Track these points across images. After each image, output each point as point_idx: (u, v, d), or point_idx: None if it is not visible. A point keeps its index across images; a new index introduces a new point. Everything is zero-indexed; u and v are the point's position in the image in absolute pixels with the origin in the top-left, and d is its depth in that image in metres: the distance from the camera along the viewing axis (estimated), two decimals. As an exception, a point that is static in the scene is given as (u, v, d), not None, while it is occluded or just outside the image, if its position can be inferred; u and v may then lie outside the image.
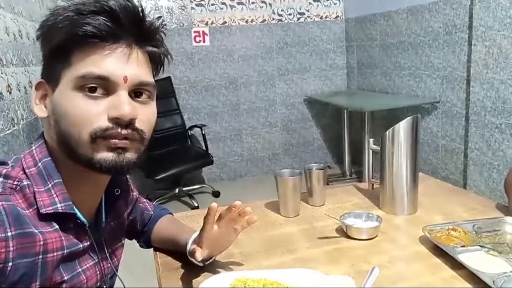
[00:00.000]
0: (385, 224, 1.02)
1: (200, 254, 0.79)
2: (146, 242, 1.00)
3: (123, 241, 0.85)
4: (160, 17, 0.69)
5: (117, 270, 0.81)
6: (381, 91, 3.53)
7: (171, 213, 1.07)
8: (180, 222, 1.04)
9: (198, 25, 3.64)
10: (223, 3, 3.66)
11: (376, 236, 0.99)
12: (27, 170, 0.64)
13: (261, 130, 4.01)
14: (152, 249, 1.01)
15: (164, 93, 3.47)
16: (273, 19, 3.81)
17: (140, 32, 0.65)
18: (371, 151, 1.19)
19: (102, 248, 0.75)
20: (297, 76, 3.98)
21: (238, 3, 3.69)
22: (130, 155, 0.64)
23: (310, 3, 3.87)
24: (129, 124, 0.63)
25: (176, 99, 3.59)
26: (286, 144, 4.10)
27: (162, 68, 0.73)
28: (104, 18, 0.61)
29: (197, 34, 3.65)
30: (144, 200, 1.01)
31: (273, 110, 3.99)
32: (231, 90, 3.85)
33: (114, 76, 0.62)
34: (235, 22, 3.72)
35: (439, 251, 0.89)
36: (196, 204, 3.31)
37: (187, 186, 3.57)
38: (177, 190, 3.48)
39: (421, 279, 0.81)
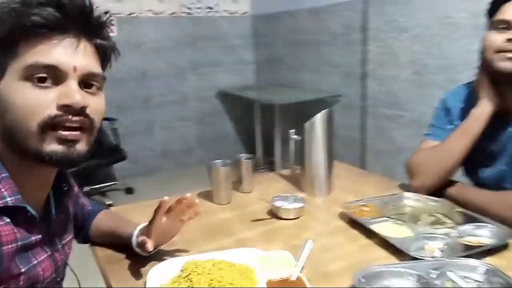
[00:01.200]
0: (308, 204, 1.15)
1: (151, 245, 0.83)
2: (84, 237, 1.00)
3: (72, 235, 0.85)
4: (107, 12, 0.71)
5: (67, 262, 0.82)
6: (288, 85, 3.76)
7: (108, 206, 1.08)
8: (120, 215, 1.05)
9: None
10: (131, -7, 3.55)
11: (302, 215, 1.12)
12: None
13: (174, 123, 3.99)
14: (88, 244, 1.02)
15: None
16: (182, 12, 3.80)
17: (87, 24, 0.66)
18: (293, 141, 1.32)
19: (54, 241, 0.75)
20: (208, 69, 4.03)
21: (147, -6, 3.61)
22: (80, 147, 0.66)
23: (219, -2, 3.94)
24: (80, 112, 0.64)
25: (82, 92, 3.39)
26: (200, 138, 4.14)
27: (109, 63, 0.74)
28: (52, 9, 0.62)
29: (103, 24, 3.48)
30: (82, 195, 1.01)
31: (185, 103, 4.00)
32: (142, 83, 3.76)
33: (63, 65, 0.62)
34: (142, 13, 3.63)
35: (355, 224, 1.04)
36: (109, 202, 3.20)
37: (98, 183, 3.42)
38: (87, 188, 3.31)
39: (343, 248, 0.96)
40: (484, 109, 1.10)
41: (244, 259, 0.85)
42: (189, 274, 0.77)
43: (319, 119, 1.22)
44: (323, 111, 1.23)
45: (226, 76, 4.12)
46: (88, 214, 0.99)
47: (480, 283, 0.77)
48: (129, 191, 3.51)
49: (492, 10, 1.08)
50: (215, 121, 4.18)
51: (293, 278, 0.78)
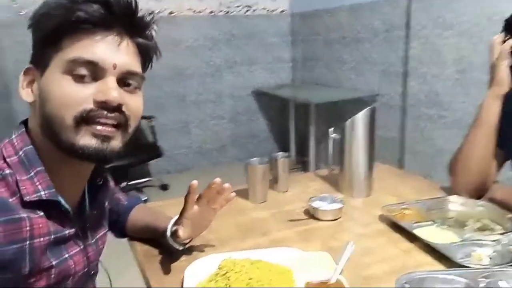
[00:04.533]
0: (346, 205, 1.12)
1: (182, 232, 0.82)
2: (121, 231, 1.01)
3: (106, 230, 0.86)
4: (152, 12, 0.71)
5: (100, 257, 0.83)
6: (324, 84, 3.70)
7: (144, 202, 1.09)
8: (155, 209, 1.06)
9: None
10: (170, -8, 3.61)
11: (340, 217, 1.09)
12: (8, 159, 0.64)
13: (208, 122, 4.02)
14: (126, 238, 1.03)
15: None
16: (221, 10, 3.83)
17: (131, 23, 0.67)
18: (332, 140, 1.28)
19: (87, 235, 0.76)
20: (244, 68, 4.04)
21: (185, -7, 3.65)
22: (114, 144, 0.66)
23: (256, -3, 3.93)
24: (116, 109, 0.64)
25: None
26: (233, 136, 4.16)
27: (150, 64, 0.74)
28: (98, 6, 0.63)
29: (143, 23, 3.56)
30: (118, 190, 1.02)
31: (220, 102, 4.02)
32: (178, 81, 3.81)
33: (104, 62, 0.63)
34: (182, 12, 3.68)
35: (396, 228, 1.00)
36: (144, 198, 3.27)
37: (133, 179, 3.50)
38: (123, 184, 3.40)
39: (385, 251, 0.92)
40: (489, 94, 1.09)
41: (282, 259, 0.83)
42: (227, 272, 0.76)
43: (360, 117, 1.18)
44: (365, 109, 1.19)
45: (262, 75, 4.11)
46: (123, 208, 1.00)
47: (535, 295, 0.71)
48: (164, 187, 3.57)
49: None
50: (249, 120, 4.19)
51: (333, 281, 0.75)
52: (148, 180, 3.69)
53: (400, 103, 2.86)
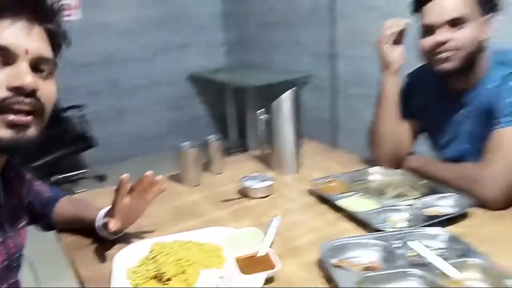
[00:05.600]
0: (277, 183, 1.16)
1: (114, 224, 0.82)
2: (47, 224, 0.97)
3: (26, 222, 0.83)
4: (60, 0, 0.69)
5: (22, 250, 0.80)
6: (260, 67, 3.74)
7: (69, 194, 1.05)
8: (83, 200, 1.04)
9: (66, -3, 3.34)
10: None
11: (272, 194, 1.13)
12: None
13: (145, 108, 3.91)
14: (53, 231, 1.00)
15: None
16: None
17: (41, 9, 0.66)
18: (261, 120, 1.31)
19: (4, 228, 0.74)
20: (178, 52, 3.95)
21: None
22: (30, 133, 0.64)
23: (188, -22, 3.85)
24: (32, 94, 0.62)
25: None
26: (172, 122, 4.08)
27: (60, 50, 0.72)
28: None
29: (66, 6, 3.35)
30: (38, 182, 0.98)
31: (156, 87, 3.92)
32: (109, 67, 3.66)
33: (15, 47, 0.61)
34: (109, -6, 3.51)
35: (323, 200, 1.06)
36: (82, 190, 3.13)
37: (68, 171, 3.35)
38: (58, 177, 3.23)
39: (312, 223, 0.98)
40: (383, 75, 1.23)
41: (212, 238, 0.85)
42: (156, 255, 0.76)
43: (285, 98, 1.22)
44: (289, 90, 1.23)
45: (197, 58, 4.05)
46: (48, 200, 0.97)
47: (442, 250, 0.80)
48: (102, 178, 3.45)
49: (415, 10, 1.11)
50: (187, 105, 4.13)
51: (261, 254, 0.79)
52: (83, 172, 3.54)
53: (331, 84, 2.97)
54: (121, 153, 3.86)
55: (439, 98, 1.19)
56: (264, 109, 1.33)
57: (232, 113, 3.87)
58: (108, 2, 3.54)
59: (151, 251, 0.79)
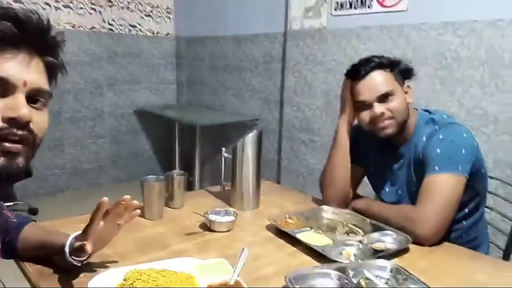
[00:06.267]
0: (238, 218, 1.23)
1: (90, 247, 0.83)
2: (10, 251, 0.95)
3: None
4: (62, 32, 0.74)
5: None
6: (209, 107, 3.85)
7: (35, 221, 1.04)
8: (48, 228, 1.03)
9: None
10: (47, 3, 3.38)
11: (233, 228, 1.20)
12: None
13: (86, 141, 3.80)
14: (12, 260, 0.97)
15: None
16: (103, 27, 3.72)
17: (43, 42, 0.68)
18: (223, 158, 1.40)
19: None
20: (127, 87, 3.95)
21: (65, 6, 3.46)
22: (19, 160, 0.65)
23: (142, 17, 3.93)
24: (25, 126, 0.65)
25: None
26: (114, 156, 3.99)
27: (55, 81, 0.75)
28: (9, 24, 0.63)
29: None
30: (6, 208, 0.96)
31: (100, 120, 3.85)
32: (53, 97, 3.54)
33: (14, 79, 0.63)
34: (60, 25, 3.47)
35: (281, 234, 1.15)
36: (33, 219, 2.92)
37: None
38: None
39: (272, 256, 1.05)
40: (341, 120, 1.36)
41: (183, 268, 0.89)
42: (134, 282, 0.79)
43: (249, 139, 1.32)
44: (253, 132, 1.33)
45: (145, 95, 4.08)
46: (13, 227, 0.95)
47: (388, 279, 0.91)
48: (33, 212, 3.23)
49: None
50: (132, 139, 4.08)
51: (232, 282, 0.85)
52: (14, 204, 3.29)
53: (277, 128, 3.15)
54: (56, 186, 3.68)
55: (379, 150, 1.37)
56: (225, 148, 1.42)
57: (178, 150, 3.89)
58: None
59: (127, 279, 0.81)
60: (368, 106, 1.23)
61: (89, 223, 0.86)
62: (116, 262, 0.97)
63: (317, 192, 1.45)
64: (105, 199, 0.85)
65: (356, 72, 1.24)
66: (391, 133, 1.24)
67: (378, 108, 1.21)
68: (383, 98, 1.22)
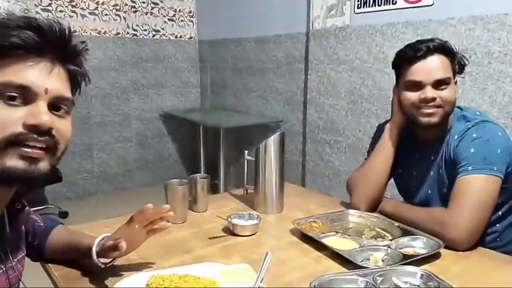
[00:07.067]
0: (261, 222, 1.22)
1: (125, 244, 0.84)
2: (39, 254, 0.98)
3: (24, 253, 0.84)
4: (84, 41, 0.74)
5: (20, 280, 0.80)
6: (232, 109, 3.85)
7: (62, 223, 1.06)
8: (75, 230, 1.05)
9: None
10: (73, 11, 3.48)
11: (257, 232, 1.18)
12: None
13: (114, 145, 3.88)
14: (39, 263, 0.99)
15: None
16: (128, 33, 3.79)
17: (64, 50, 0.69)
18: (246, 161, 1.38)
19: (8, 258, 0.75)
20: (152, 91, 4.01)
21: (90, 13, 3.55)
22: (42, 166, 0.66)
23: (165, 22, 3.98)
24: (47, 132, 0.65)
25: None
26: (141, 160, 4.06)
27: (79, 90, 0.76)
28: (31, 33, 0.64)
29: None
30: (33, 211, 0.98)
31: (127, 124, 3.92)
32: (81, 102, 3.64)
33: (36, 86, 0.64)
34: (86, 32, 3.56)
35: (306, 239, 1.12)
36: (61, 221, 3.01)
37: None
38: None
39: (297, 261, 1.03)
40: (391, 126, 1.30)
41: (206, 273, 0.88)
42: (157, 287, 0.79)
43: (272, 141, 1.30)
44: (276, 133, 1.32)
45: (170, 98, 4.13)
46: (42, 230, 0.97)
47: (418, 287, 0.87)
48: (63, 215, 3.33)
49: (398, 68, 1.24)
50: (158, 143, 4.14)
51: (256, 288, 0.83)
52: (45, 208, 3.40)
53: (301, 129, 3.11)
54: (86, 190, 3.77)
55: (407, 148, 1.32)
56: (248, 151, 1.41)
57: (203, 153, 3.91)
58: (85, 40, 3.58)
59: (149, 284, 0.81)
60: (419, 88, 1.17)
61: (126, 224, 0.89)
62: (140, 266, 0.98)
63: (343, 195, 1.42)
64: (150, 205, 0.88)
65: (417, 50, 1.17)
66: (435, 122, 1.17)
67: (431, 92, 1.15)
68: (439, 84, 1.16)
